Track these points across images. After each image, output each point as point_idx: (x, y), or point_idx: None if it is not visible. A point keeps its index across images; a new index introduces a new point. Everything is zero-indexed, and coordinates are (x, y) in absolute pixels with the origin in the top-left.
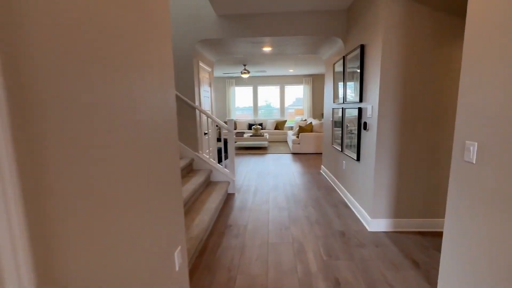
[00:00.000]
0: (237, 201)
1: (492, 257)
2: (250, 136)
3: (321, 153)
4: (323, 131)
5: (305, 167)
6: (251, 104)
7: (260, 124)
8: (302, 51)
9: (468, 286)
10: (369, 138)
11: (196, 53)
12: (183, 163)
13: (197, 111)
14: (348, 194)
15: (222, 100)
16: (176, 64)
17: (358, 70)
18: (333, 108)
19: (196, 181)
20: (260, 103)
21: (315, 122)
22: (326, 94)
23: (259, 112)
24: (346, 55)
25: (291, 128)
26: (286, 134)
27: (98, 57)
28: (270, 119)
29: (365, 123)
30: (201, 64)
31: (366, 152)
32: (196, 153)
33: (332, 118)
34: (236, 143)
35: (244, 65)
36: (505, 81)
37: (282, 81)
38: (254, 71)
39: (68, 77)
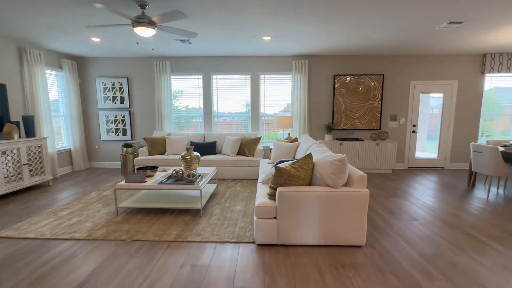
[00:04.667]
0: None
1: None
2: (165, 180)
3: (348, 247)
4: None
5: None
6: (215, 107)
7: (211, 145)
8: None
9: None
10: None
11: None
12: None
13: None
14: None
15: (149, 97)
16: None
17: None
18: None
19: None
20: (225, 105)
21: (316, 148)
22: None
23: (216, 120)
24: None
25: (270, 150)
26: (258, 164)
27: None
28: (231, 136)
29: None
30: None
31: None
32: None
33: None
34: (138, 195)
35: (142, 5)
36: None
37: (254, 64)
38: (171, 24)
39: None
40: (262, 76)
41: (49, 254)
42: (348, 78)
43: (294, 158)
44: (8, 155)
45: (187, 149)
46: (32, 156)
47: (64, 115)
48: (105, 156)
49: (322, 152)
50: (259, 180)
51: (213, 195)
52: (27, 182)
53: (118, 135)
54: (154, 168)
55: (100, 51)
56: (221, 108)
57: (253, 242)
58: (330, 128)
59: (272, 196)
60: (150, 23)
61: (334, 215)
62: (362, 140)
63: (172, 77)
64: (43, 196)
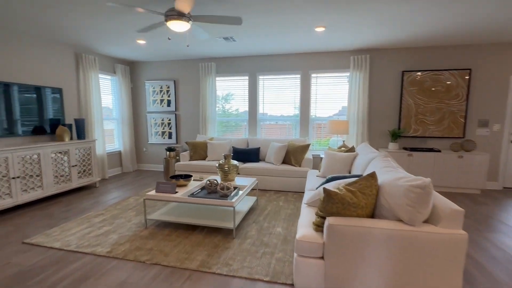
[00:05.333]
0: None
1: None
2: (198, 192)
3: None
4: None
5: None
6: (261, 110)
7: (254, 152)
8: None
9: None
10: None
11: None
12: None
13: None
14: None
15: (194, 100)
16: None
17: None
18: None
19: None
20: (272, 108)
21: (382, 164)
22: None
23: (261, 124)
24: None
25: (320, 159)
26: (305, 175)
27: None
28: (277, 142)
29: None
30: None
31: None
32: None
33: None
34: (169, 206)
35: None
36: None
37: (305, 62)
38: (206, 13)
39: None
40: (314, 75)
41: (64, 271)
42: (421, 75)
43: (350, 173)
44: (58, 156)
45: (225, 157)
46: (80, 158)
47: (116, 118)
48: (152, 158)
49: (390, 171)
50: (304, 199)
51: (251, 210)
52: (75, 183)
53: (164, 138)
54: (188, 177)
55: (150, 55)
56: (267, 111)
57: (292, 285)
58: (395, 135)
59: (319, 227)
60: (180, 15)
61: (410, 264)
62: (439, 151)
63: (217, 78)
64: (86, 199)
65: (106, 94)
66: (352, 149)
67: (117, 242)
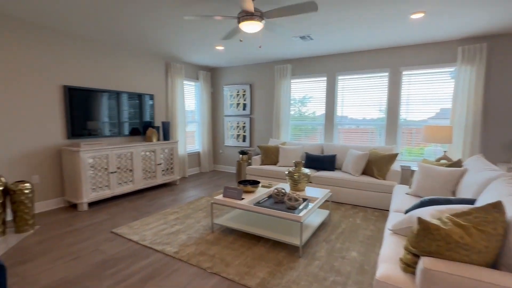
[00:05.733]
0: None
1: None
2: (264, 200)
3: None
4: None
5: None
6: (339, 113)
7: (329, 160)
8: None
9: None
10: None
11: None
12: None
13: None
14: None
15: (269, 103)
16: None
17: None
18: None
19: None
20: (352, 111)
21: (510, 188)
22: None
23: (338, 128)
24: None
25: (411, 172)
26: (391, 190)
27: None
28: (356, 149)
29: None
30: None
31: None
32: None
33: None
34: (236, 212)
35: None
36: None
37: (394, 58)
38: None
39: None
40: (405, 72)
41: (135, 266)
42: None
43: (454, 195)
44: (146, 155)
45: (296, 164)
46: (165, 157)
47: (197, 121)
48: (227, 160)
49: None
50: (389, 223)
51: (322, 225)
52: (159, 180)
53: (238, 141)
54: (256, 183)
55: (227, 61)
56: (346, 114)
57: None
58: None
59: (409, 267)
60: (251, 14)
61: None
62: None
63: (292, 80)
64: (167, 195)
65: (190, 99)
66: (457, 163)
67: (185, 243)
